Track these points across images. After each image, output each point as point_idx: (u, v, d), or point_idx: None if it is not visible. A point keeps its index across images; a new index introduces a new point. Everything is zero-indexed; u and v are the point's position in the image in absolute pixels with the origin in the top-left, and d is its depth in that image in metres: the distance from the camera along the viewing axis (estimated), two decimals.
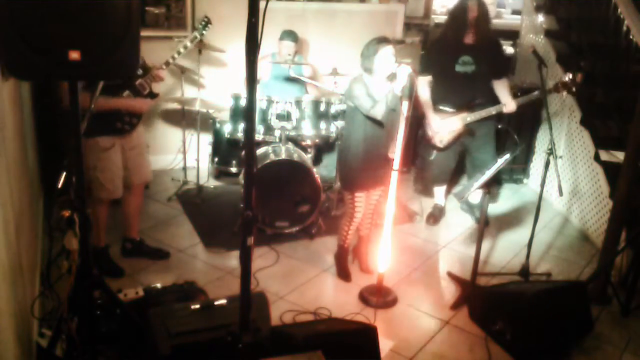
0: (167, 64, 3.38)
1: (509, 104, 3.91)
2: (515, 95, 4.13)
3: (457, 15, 3.94)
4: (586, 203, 4.36)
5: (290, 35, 4.44)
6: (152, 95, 3.31)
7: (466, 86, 3.99)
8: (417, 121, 4.60)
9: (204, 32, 3.67)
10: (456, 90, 4.00)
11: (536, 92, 3.81)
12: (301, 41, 4.61)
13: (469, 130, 4.06)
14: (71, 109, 2.00)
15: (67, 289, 2.22)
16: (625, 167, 3.37)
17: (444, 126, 4.04)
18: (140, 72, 3.22)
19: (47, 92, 3.97)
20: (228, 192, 4.72)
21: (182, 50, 3.51)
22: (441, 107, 4.04)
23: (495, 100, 4.03)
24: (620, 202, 3.38)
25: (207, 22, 3.64)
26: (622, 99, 4.51)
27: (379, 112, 3.11)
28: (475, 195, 4.38)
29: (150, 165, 3.55)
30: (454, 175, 4.67)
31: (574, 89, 3.69)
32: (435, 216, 4.44)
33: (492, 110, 3.94)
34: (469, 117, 3.98)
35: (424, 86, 4.02)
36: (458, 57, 3.95)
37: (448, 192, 4.60)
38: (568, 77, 3.67)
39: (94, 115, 2.97)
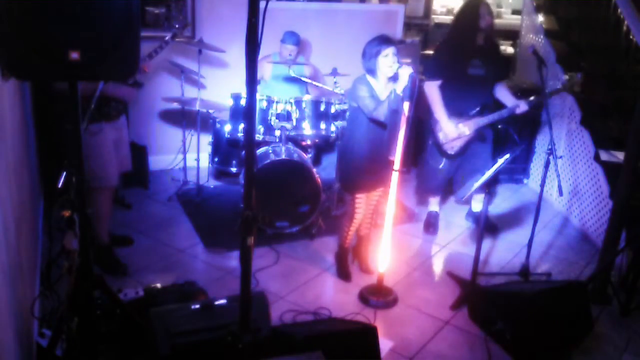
0: (150, 56, 3.51)
1: (521, 105, 3.77)
2: (515, 96, 4.04)
3: (468, 20, 3.84)
4: (586, 203, 4.36)
5: (292, 38, 4.43)
6: (137, 85, 3.36)
7: (478, 89, 3.88)
8: (419, 125, 4.50)
9: (182, 29, 4.01)
10: (469, 94, 3.87)
11: (547, 91, 3.73)
12: (302, 42, 4.61)
13: (480, 135, 3.92)
14: (71, 109, 2.00)
15: (67, 289, 2.22)
16: (625, 167, 3.37)
17: (458, 132, 3.88)
18: None
19: (47, 92, 3.97)
20: (228, 192, 4.72)
21: (163, 45, 3.70)
22: (453, 112, 3.88)
23: (497, 103, 3.93)
24: (620, 202, 3.38)
25: (186, 23, 4.13)
26: (622, 99, 4.51)
27: (381, 114, 3.11)
28: (478, 204, 4.35)
29: (130, 155, 3.58)
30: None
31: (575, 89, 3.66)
32: (434, 225, 4.30)
33: (504, 113, 3.81)
34: (481, 121, 3.84)
35: (435, 91, 3.88)
36: (469, 60, 3.84)
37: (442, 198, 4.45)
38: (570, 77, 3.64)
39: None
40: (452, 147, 3.94)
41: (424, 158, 4.21)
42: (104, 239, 3.41)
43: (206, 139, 4.75)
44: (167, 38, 3.76)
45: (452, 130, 3.86)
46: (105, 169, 3.25)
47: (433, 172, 4.12)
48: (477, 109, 3.88)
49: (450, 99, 3.88)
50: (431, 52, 6.83)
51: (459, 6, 4.24)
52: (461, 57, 3.86)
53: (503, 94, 3.98)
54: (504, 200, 4.95)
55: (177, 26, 3.95)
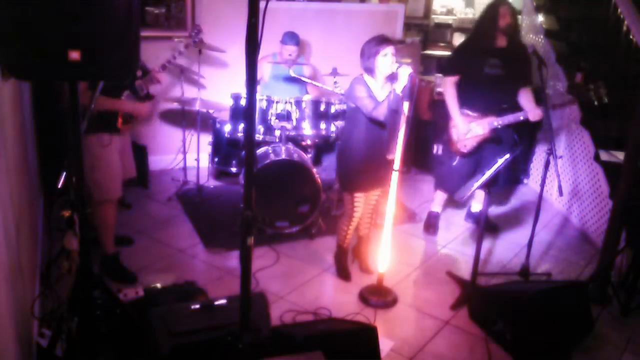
0: (164, 67, 3.57)
1: (535, 111, 3.71)
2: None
3: (488, 19, 3.86)
4: (586, 203, 4.36)
5: (292, 39, 4.43)
6: (149, 97, 3.40)
7: (493, 89, 3.86)
8: (420, 128, 4.50)
9: (196, 39, 4.04)
10: (484, 93, 3.86)
11: (565, 99, 3.67)
12: (302, 42, 4.62)
13: (495, 137, 3.90)
14: (71, 109, 2.00)
15: (67, 289, 2.22)
16: (625, 167, 3.37)
17: (471, 130, 3.88)
18: (140, 73, 3.34)
19: (47, 92, 3.97)
20: (228, 192, 4.72)
21: (176, 55, 3.76)
22: (467, 110, 3.90)
23: (518, 108, 3.86)
24: (620, 202, 3.38)
25: (199, 31, 4.08)
26: (622, 99, 4.51)
27: (381, 114, 3.10)
28: (477, 204, 4.36)
29: (133, 160, 3.60)
30: None
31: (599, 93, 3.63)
32: (434, 225, 4.29)
33: (519, 116, 3.76)
34: (496, 121, 3.82)
35: (450, 87, 3.91)
36: (487, 59, 3.84)
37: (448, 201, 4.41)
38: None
39: (94, 112, 3.01)
40: (464, 146, 3.94)
41: (439, 159, 4.23)
42: (109, 250, 3.38)
43: (206, 139, 4.75)
44: (180, 48, 3.80)
45: (464, 126, 3.88)
46: (112, 180, 3.25)
47: (449, 173, 4.12)
48: (495, 109, 3.85)
49: (465, 96, 3.90)
50: (431, 52, 6.86)
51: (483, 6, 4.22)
52: (478, 55, 3.87)
53: (525, 99, 3.88)
54: (504, 200, 4.95)
55: (192, 33, 4.00)
